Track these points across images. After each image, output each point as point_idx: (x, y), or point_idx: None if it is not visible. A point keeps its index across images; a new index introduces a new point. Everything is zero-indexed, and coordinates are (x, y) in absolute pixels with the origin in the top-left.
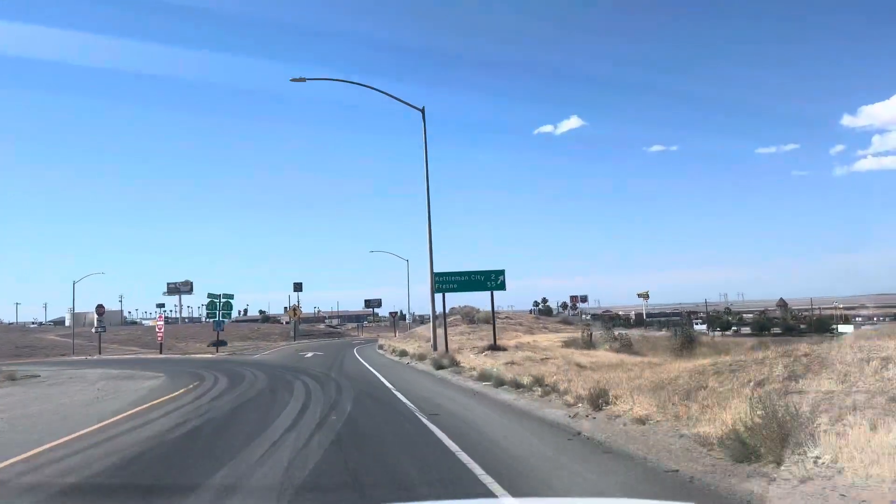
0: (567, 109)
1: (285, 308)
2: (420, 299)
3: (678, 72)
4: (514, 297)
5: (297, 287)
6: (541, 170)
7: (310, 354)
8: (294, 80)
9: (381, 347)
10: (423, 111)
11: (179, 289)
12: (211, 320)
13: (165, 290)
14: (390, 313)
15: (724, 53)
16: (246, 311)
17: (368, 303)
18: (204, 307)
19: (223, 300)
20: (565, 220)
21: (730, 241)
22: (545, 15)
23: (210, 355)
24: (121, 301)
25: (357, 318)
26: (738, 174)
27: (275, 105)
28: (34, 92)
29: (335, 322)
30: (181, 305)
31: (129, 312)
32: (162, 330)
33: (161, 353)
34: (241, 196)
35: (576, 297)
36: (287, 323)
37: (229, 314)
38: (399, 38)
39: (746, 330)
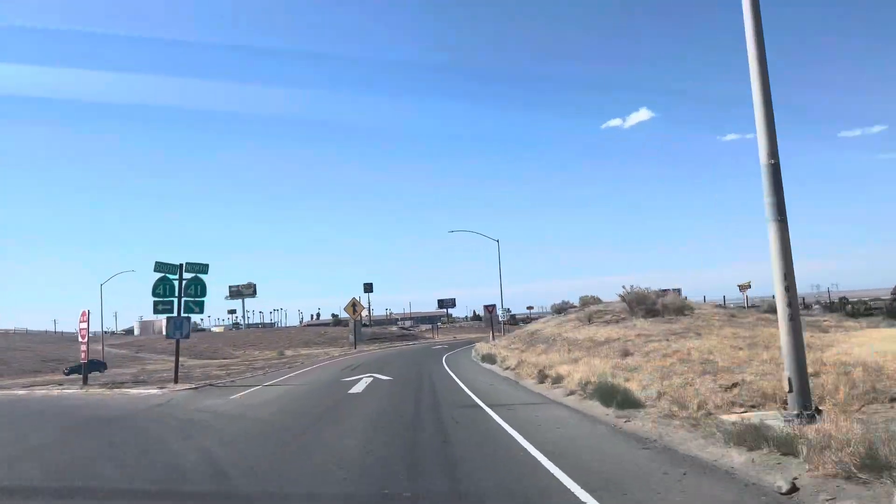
0: (637, 101)
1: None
2: (494, 302)
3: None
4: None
5: (368, 288)
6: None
7: (361, 387)
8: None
9: (488, 359)
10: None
11: (242, 292)
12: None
13: (227, 293)
14: (486, 307)
15: (801, 33)
16: (319, 314)
17: (442, 303)
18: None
19: (187, 273)
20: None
21: (812, 231)
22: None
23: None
24: None
25: (430, 320)
26: (818, 159)
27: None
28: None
29: (408, 324)
30: (244, 310)
31: (202, 319)
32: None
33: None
34: (310, 198)
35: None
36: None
37: (201, 304)
38: (464, 30)
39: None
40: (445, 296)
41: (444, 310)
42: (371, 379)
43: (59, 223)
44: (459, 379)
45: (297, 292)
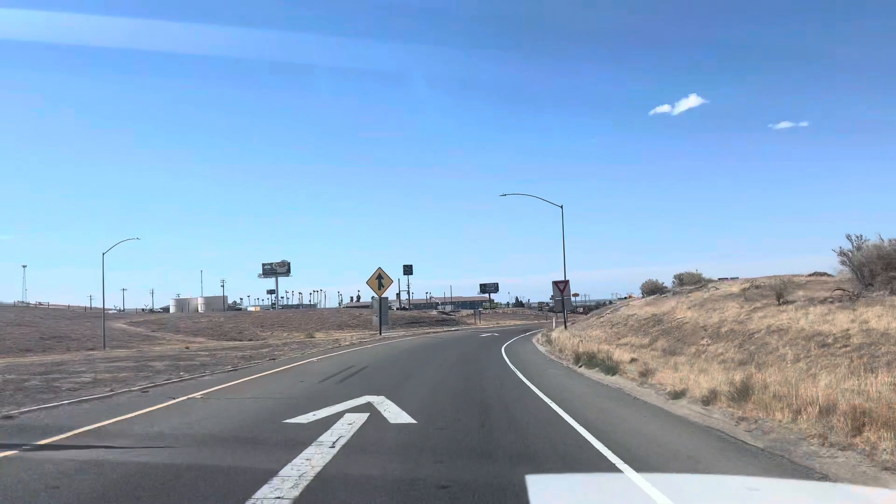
0: (686, 87)
1: (398, 294)
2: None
3: (805, 36)
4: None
5: (408, 270)
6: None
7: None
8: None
9: (595, 363)
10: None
11: (276, 270)
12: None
13: (261, 271)
14: (555, 283)
15: (860, 13)
16: (358, 297)
17: (484, 287)
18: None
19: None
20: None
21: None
22: None
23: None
24: (222, 285)
25: (471, 305)
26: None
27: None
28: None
29: (448, 308)
30: (277, 289)
31: (241, 299)
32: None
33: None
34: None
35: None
36: (398, 309)
37: None
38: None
39: None
40: (487, 281)
41: (487, 294)
42: (349, 429)
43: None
44: (598, 437)
45: (338, 275)
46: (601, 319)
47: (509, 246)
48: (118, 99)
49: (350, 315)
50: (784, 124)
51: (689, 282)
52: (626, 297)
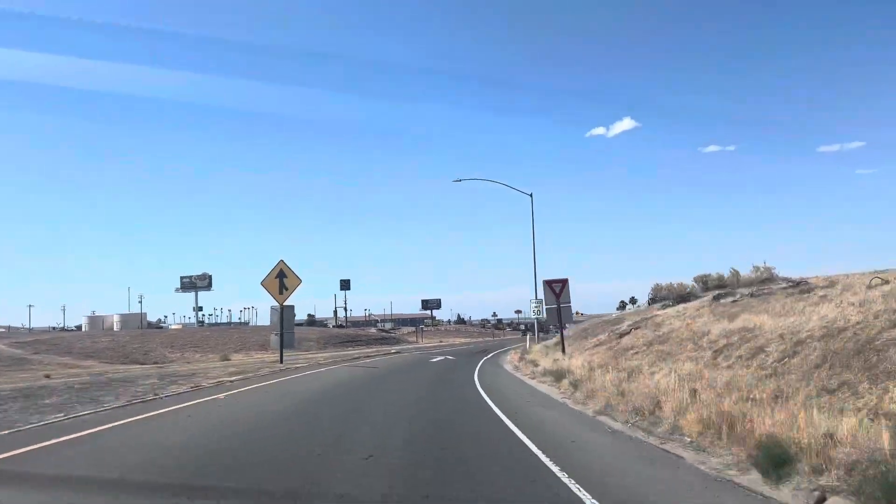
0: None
1: (335, 310)
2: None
3: (735, 66)
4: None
5: (345, 285)
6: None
7: None
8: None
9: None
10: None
11: (196, 283)
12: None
13: (178, 285)
14: (547, 283)
15: (782, 47)
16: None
17: (426, 304)
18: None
19: None
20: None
21: (789, 246)
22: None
23: None
24: (140, 301)
25: (413, 322)
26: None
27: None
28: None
29: (388, 326)
30: (197, 304)
31: (165, 316)
32: None
33: None
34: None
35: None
36: (334, 327)
37: None
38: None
39: None
40: (429, 297)
41: (429, 311)
42: None
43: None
44: None
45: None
46: (623, 340)
47: (451, 262)
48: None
49: None
50: (712, 148)
51: (742, 283)
52: (623, 309)
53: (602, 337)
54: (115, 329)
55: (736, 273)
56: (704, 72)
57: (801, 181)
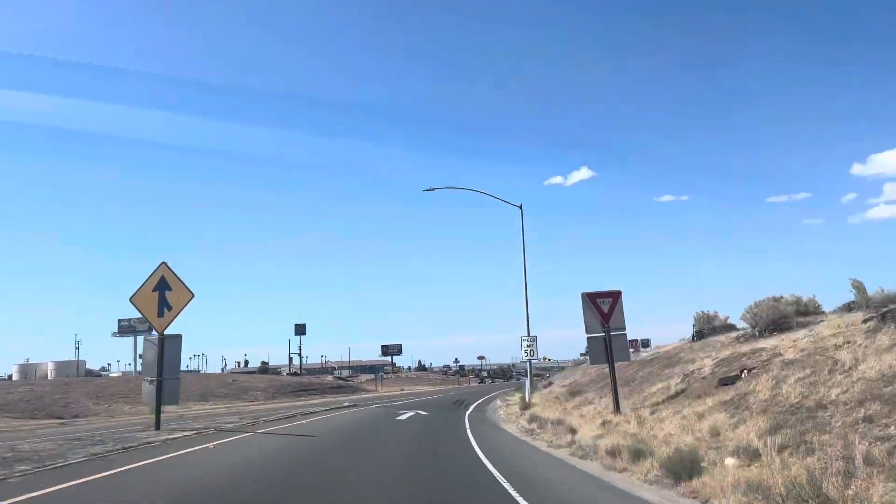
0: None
1: (289, 358)
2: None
3: (686, 119)
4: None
5: (300, 329)
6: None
7: None
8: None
9: None
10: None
11: (135, 327)
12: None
13: (116, 329)
14: (589, 296)
15: (734, 100)
16: (247, 362)
17: (386, 349)
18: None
19: None
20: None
21: (741, 292)
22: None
23: None
24: (77, 347)
25: (372, 369)
26: (749, 223)
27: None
28: None
29: (345, 373)
30: (136, 350)
31: (109, 364)
32: None
33: None
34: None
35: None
36: (287, 374)
37: None
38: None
39: None
40: (390, 343)
41: (389, 357)
42: None
43: None
44: None
45: (224, 337)
46: (757, 388)
47: (412, 307)
48: None
49: (221, 382)
50: (667, 197)
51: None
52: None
53: (674, 382)
54: (49, 377)
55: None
56: (659, 123)
57: (751, 230)
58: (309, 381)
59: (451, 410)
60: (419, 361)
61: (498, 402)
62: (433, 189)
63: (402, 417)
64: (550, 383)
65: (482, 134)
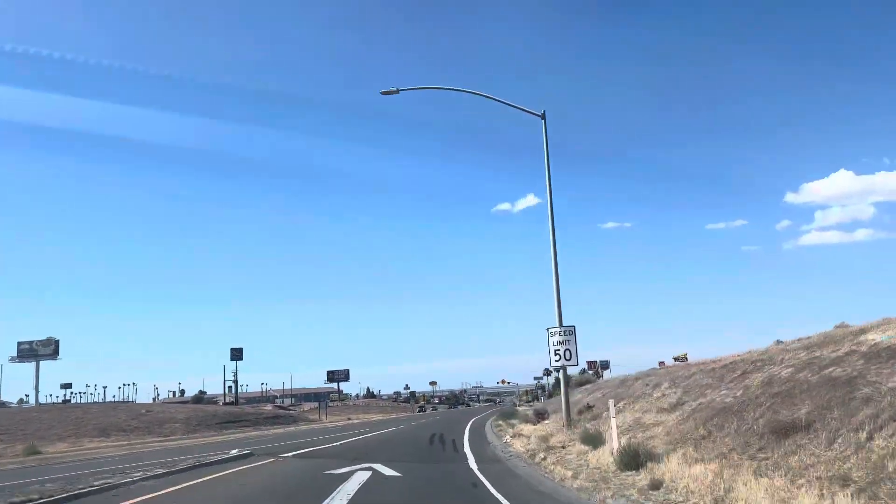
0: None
1: (225, 385)
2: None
3: (632, 150)
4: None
5: (236, 354)
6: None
7: None
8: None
9: None
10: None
11: (37, 351)
12: None
13: (15, 353)
14: None
15: (673, 130)
16: (182, 391)
17: (332, 375)
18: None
19: None
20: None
21: (682, 316)
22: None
23: None
24: None
25: (317, 397)
26: (689, 249)
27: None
28: None
29: (288, 402)
30: (38, 376)
31: (27, 395)
32: None
33: None
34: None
35: (595, 362)
36: (223, 403)
37: None
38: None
39: None
40: (336, 368)
41: (335, 384)
42: None
43: None
44: None
45: (159, 364)
46: None
47: (359, 333)
48: None
49: (131, 414)
50: (610, 224)
51: None
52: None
53: None
54: None
55: None
56: (603, 151)
57: (692, 257)
58: (241, 411)
59: (438, 462)
60: (367, 388)
61: (506, 437)
62: (396, 91)
63: (336, 470)
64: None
65: (431, 157)
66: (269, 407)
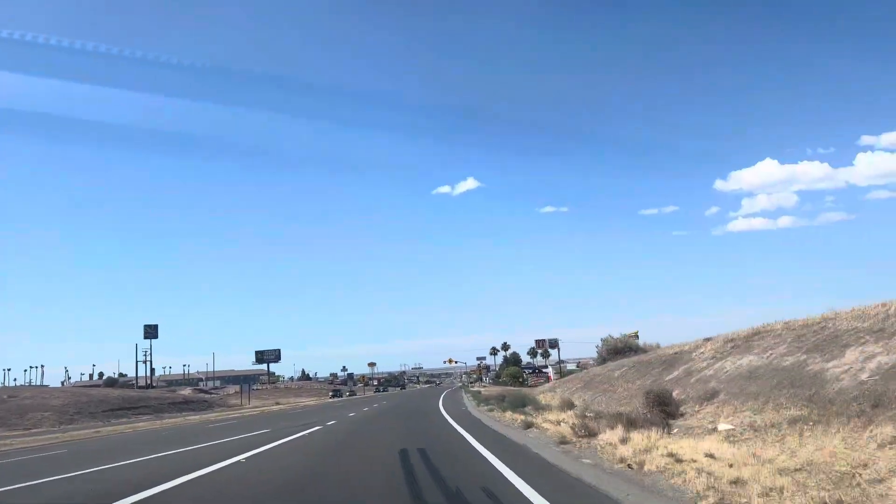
0: (464, 171)
1: (136, 365)
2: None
3: (569, 135)
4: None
5: (150, 332)
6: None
7: None
8: None
9: None
10: None
11: None
12: None
13: None
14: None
15: (609, 119)
16: (101, 374)
17: (261, 356)
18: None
19: None
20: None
21: (615, 300)
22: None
23: None
24: None
25: (246, 379)
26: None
27: None
28: None
29: (213, 384)
30: None
31: None
32: None
33: None
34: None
35: (543, 340)
36: (140, 387)
37: None
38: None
39: None
40: (267, 348)
41: (265, 366)
42: None
43: None
44: None
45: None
46: None
47: (294, 314)
48: None
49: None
50: (548, 208)
51: None
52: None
53: None
54: None
55: None
56: (541, 134)
57: (625, 241)
58: (140, 396)
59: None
60: (303, 370)
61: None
62: None
63: None
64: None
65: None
66: (187, 391)
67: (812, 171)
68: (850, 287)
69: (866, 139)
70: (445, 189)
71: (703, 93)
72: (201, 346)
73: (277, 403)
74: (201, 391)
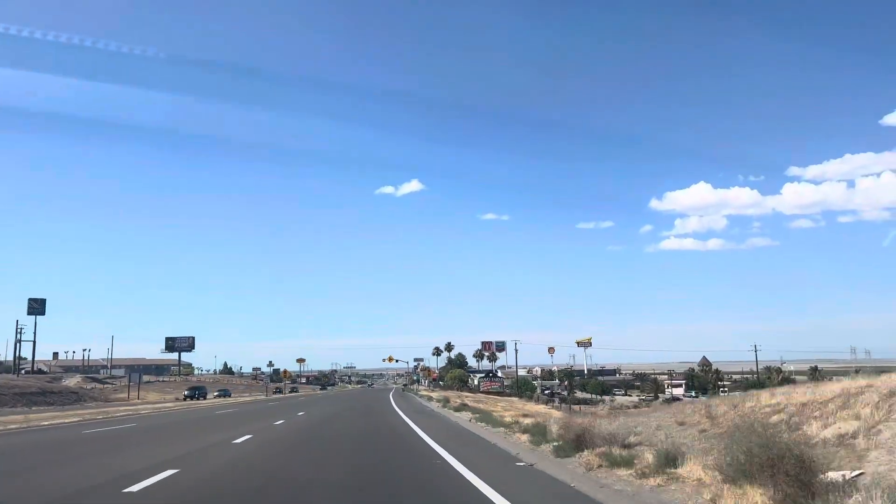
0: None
1: (15, 347)
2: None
3: (510, 148)
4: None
5: (36, 307)
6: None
7: None
8: None
9: None
10: None
11: None
12: None
13: None
14: None
15: (550, 136)
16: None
17: (171, 344)
18: None
19: None
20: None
21: (563, 307)
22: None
23: None
24: None
25: (156, 369)
26: (561, 246)
27: None
28: None
29: (118, 372)
30: None
31: None
32: None
33: None
34: None
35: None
36: (26, 373)
37: None
38: None
39: None
40: (179, 335)
41: (176, 355)
42: None
43: None
44: None
45: None
46: None
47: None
48: None
49: None
50: (490, 215)
51: None
52: None
53: None
54: None
55: None
56: (485, 142)
57: (563, 253)
58: (26, 384)
59: None
60: (225, 363)
61: None
62: None
63: None
64: None
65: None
66: (76, 379)
67: (742, 197)
68: (768, 311)
69: (794, 170)
70: (389, 189)
71: (644, 116)
72: (121, 333)
73: (176, 399)
74: (94, 379)
